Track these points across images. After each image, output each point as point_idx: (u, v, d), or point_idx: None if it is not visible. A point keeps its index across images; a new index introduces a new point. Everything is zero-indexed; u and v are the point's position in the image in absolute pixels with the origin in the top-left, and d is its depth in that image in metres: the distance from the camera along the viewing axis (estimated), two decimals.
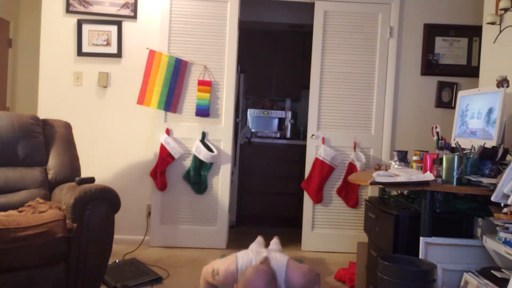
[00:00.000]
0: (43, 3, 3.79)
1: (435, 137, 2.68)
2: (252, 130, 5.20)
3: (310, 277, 1.94)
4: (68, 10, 3.76)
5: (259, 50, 5.29)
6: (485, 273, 2.08)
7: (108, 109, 3.84)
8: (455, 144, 2.50)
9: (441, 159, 2.26)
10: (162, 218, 3.83)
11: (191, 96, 3.82)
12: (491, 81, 2.68)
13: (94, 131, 3.83)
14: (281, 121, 5.36)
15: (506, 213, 1.97)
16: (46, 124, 3.03)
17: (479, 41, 3.54)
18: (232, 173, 4.15)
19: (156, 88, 3.74)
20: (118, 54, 3.80)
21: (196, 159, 3.76)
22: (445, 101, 3.93)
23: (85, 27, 3.76)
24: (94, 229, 2.44)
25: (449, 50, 3.91)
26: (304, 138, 4.27)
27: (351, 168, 3.83)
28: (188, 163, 3.82)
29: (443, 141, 2.63)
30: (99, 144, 3.83)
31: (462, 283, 2.14)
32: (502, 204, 1.96)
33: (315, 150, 3.90)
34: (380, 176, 2.34)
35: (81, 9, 3.76)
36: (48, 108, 3.77)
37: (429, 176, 2.21)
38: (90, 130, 3.82)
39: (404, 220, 2.38)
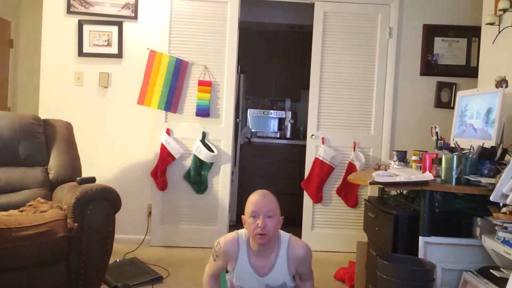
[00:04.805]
0: (44, 3, 3.80)
1: (434, 137, 2.69)
2: (252, 130, 5.21)
3: (308, 250, 1.98)
4: (69, 10, 3.77)
5: (259, 50, 5.30)
6: (484, 272, 2.09)
7: (109, 109, 3.85)
8: (454, 144, 2.51)
9: (440, 159, 2.27)
10: (163, 217, 3.85)
11: (192, 96, 3.83)
12: (490, 81, 2.69)
13: (95, 131, 3.84)
14: (281, 121, 5.37)
15: (505, 213, 1.98)
16: (47, 124, 3.05)
17: (478, 41, 3.55)
18: (232, 173, 4.16)
19: (156, 88, 3.75)
20: (119, 55, 3.82)
21: (196, 159, 3.77)
22: (444, 101, 3.94)
23: (86, 28, 3.77)
24: (95, 228, 2.45)
25: (448, 51, 3.92)
26: (304, 138, 4.28)
27: (351, 168, 3.84)
28: (188, 163, 3.83)
29: (442, 141, 2.63)
30: (100, 144, 3.85)
31: (461, 283, 2.15)
32: (501, 204, 1.96)
33: (315, 150, 3.91)
34: (379, 176, 2.35)
35: (82, 9, 3.77)
36: (49, 108, 3.78)
37: (428, 176, 2.22)
38: (91, 130, 3.83)
39: (403, 219, 2.38)
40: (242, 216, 1.95)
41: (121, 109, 3.85)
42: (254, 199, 1.90)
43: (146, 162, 3.87)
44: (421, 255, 2.21)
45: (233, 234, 2.00)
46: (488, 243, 2.09)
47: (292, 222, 4.64)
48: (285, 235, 1.99)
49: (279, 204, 1.93)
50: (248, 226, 1.89)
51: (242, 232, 1.99)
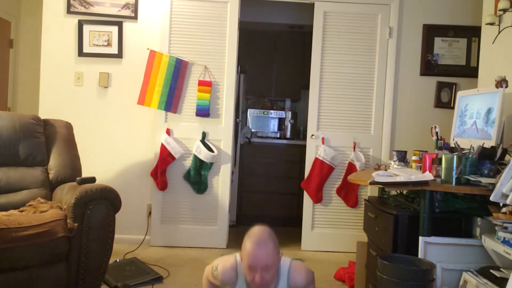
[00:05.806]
0: (44, 3, 3.80)
1: (434, 137, 2.69)
2: (252, 130, 5.21)
3: (310, 276, 1.95)
4: (69, 10, 3.77)
5: (259, 50, 5.30)
6: (484, 272, 2.09)
7: (109, 109, 3.85)
8: (454, 144, 2.51)
9: (440, 159, 2.27)
10: (163, 217, 3.85)
11: (192, 96, 3.83)
12: (490, 81, 2.69)
13: (95, 131, 3.84)
14: (281, 121, 5.37)
15: (505, 213, 1.98)
16: (47, 124, 3.05)
17: (478, 41, 3.55)
18: (232, 173, 4.16)
19: (156, 89, 3.75)
20: (119, 55, 3.82)
21: (196, 159, 3.77)
22: (444, 101, 3.94)
23: (86, 28, 3.77)
24: (95, 228, 2.45)
25: (448, 51, 3.92)
26: (304, 138, 4.28)
27: (351, 168, 3.84)
28: (188, 163, 3.83)
29: (442, 141, 2.64)
30: (100, 144, 3.85)
31: (461, 283, 2.15)
32: (501, 204, 1.97)
33: (315, 150, 3.91)
34: (379, 176, 2.35)
35: (82, 9, 3.77)
36: (49, 108, 3.78)
37: (428, 176, 2.22)
38: (91, 130, 3.83)
39: (403, 219, 2.38)
40: (240, 253, 1.88)
41: (121, 109, 3.85)
42: (252, 251, 1.77)
43: (146, 162, 3.87)
44: (421, 255, 2.22)
45: (232, 260, 1.94)
46: (488, 243, 2.09)
47: (292, 222, 4.66)
48: (284, 263, 1.92)
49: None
50: (246, 273, 1.82)
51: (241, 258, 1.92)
